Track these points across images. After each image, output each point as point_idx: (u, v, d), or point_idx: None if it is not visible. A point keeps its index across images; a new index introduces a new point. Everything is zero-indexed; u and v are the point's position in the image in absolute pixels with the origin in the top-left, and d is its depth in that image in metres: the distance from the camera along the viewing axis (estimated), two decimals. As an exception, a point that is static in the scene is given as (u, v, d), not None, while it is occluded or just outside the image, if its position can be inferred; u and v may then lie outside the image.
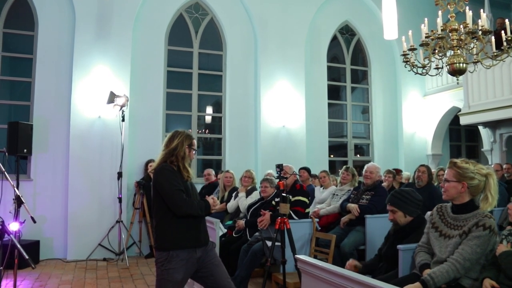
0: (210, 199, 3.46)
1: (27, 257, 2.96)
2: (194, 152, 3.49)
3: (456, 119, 10.20)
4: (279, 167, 4.29)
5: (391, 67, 11.55)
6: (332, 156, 11.81)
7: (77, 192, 8.15)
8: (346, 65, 11.36)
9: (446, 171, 3.10)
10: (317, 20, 10.74)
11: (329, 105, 11.23)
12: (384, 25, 6.71)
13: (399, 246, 3.39)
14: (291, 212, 5.17)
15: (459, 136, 13.21)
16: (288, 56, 10.13)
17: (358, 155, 12.01)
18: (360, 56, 11.74)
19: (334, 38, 11.28)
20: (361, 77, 11.98)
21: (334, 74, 12.14)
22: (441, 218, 3.14)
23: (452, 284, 2.83)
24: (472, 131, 12.35)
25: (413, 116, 11.52)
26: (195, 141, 3.52)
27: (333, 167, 11.28)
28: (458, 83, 5.75)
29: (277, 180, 4.24)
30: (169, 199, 3.21)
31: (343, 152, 11.50)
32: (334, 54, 12.08)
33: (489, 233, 2.83)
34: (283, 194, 4.14)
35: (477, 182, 2.99)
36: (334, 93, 11.98)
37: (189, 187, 3.41)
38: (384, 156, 11.27)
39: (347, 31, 11.43)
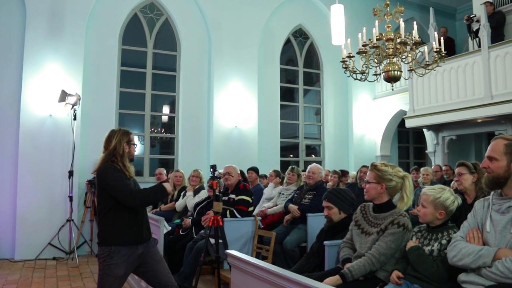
0: (169, 185, 3.56)
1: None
2: (134, 146, 3.59)
3: (404, 121, 10.65)
4: (213, 167, 4.50)
5: (343, 70, 11.88)
6: (291, 156, 12.08)
7: (26, 190, 8.08)
8: (299, 67, 11.66)
9: (367, 174, 3.37)
10: (271, 23, 10.97)
11: (284, 106, 11.51)
12: (332, 31, 6.97)
13: (325, 242, 3.64)
14: (234, 211, 5.38)
15: (408, 138, 13.75)
16: (241, 58, 10.32)
17: (313, 156, 12.32)
18: (314, 59, 12.06)
19: (288, 41, 11.56)
20: (314, 79, 12.30)
21: (289, 76, 12.42)
22: (364, 216, 3.40)
23: (369, 277, 3.08)
24: (419, 134, 12.86)
25: (363, 118, 11.94)
26: (132, 136, 3.59)
27: (287, 167, 11.54)
28: (392, 89, 6.10)
29: (211, 180, 4.45)
30: (120, 195, 3.31)
31: (297, 152, 11.80)
32: (289, 56, 12.36)
33: (403, 230, 3.09)
34: (216, 193, 4.35)
35: (395, 184, 3.26)
36: (289, 94, 12.26)
37: (133, 185, 3.50)
38: (335, 156, 11.64)
39: (300, 35, 11.73)
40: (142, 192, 3.40)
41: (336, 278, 3.03)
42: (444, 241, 2.85)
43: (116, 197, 3.33)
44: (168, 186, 3.52)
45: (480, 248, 2.42)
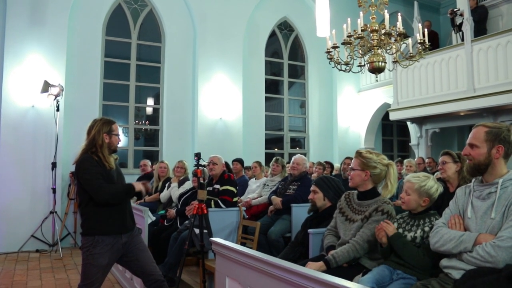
0: (140, 184, 3.51)
1: None
2: (117, 136, 3.55)
3: (388, 114, 10.72)
4: (197, 155, 4.50)
5: (328, 63, 11.92)
6: (276, 148, 12.10)
7: (8, 182, 7.97)
8: (284, 60, 11.68)
9: (352, 161, 3.39)
10: (256, 15, 10.96)
11: (269, 98, 11.52)
12: (317, 23, 6.97)
13: (309, 230, 3.66)
14: (218, 201, 5.38)
15: (392, 131, 13.86)
16: (226, 50, 10.30)
17: (298, 148, 12.36)
18: (299, 51, 12.09)
19: (273, 34, 11.56)
20: (299, 72, 12.33)
21: (274, 68, 12.43)
22: (348, 204, 3.42)
23: (352, 263, 3.11)
24: (403, 127, 12.98)
25: (348, 111, 12.01)
26: (115, 126, 3.54)
27: (271, 159, 11.54)
28: (377, 80, 6.15)
29: (195, 168, 4.45)
30: (90, 189, 3.30)
31: (282, 145, 11.84)
32: (274, 49, 12.37)
33: (387, 218, 3.12)
34: (200, 181, 4.35)
35: (379, 171, 3.29)
36: (274, 87, 12.28)
37: (114, 175, 3.48)
38: (319, 149, 11.70)
39: (285, 27, 11.74)
40: (113, 189, 3.35)
41: (319, 264, 3.03)
42: (426, 228, 2.88)
43: (87, 190, 3.33)
44: (137, 185, 3.47)
45: (462, 233, 2.45)
